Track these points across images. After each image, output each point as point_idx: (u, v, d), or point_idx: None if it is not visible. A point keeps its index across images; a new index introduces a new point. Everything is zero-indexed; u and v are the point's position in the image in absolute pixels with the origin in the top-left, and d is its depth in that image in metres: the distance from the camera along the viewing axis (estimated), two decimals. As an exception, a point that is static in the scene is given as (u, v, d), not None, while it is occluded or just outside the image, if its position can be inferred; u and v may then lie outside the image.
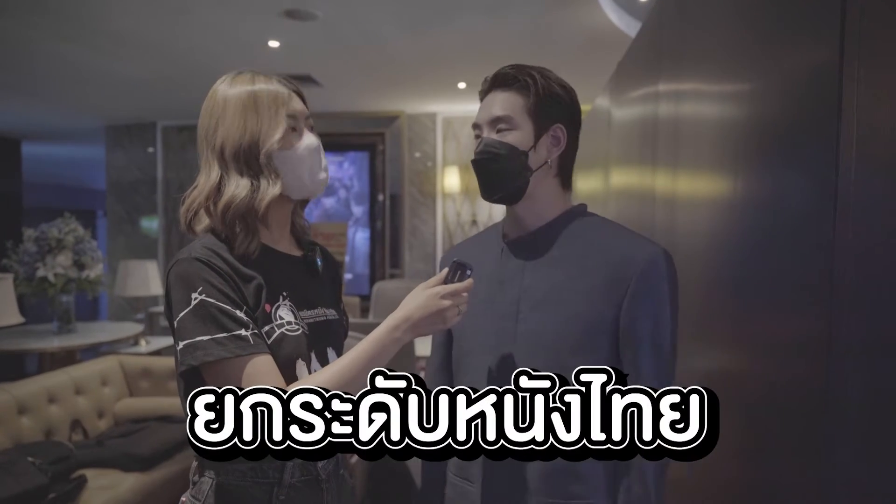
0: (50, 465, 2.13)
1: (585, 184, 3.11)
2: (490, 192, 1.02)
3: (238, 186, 0.93)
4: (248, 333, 0.87)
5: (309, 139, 0.99)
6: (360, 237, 5.59)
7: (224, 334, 0.86)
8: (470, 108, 5.18)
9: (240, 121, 0.94)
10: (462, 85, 4.43)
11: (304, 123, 1.00)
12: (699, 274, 1.22)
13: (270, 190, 0.94)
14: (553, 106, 1.01)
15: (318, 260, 1.07)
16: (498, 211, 4.76)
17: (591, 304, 0.95)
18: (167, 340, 4.30)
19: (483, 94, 1.05)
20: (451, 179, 5.25)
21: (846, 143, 0.69)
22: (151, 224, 5.79)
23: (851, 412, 0.68)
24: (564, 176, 1.05)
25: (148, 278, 4.21)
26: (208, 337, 0.85)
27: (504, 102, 1.00)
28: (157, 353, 4.00)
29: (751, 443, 0.94)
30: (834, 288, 0.69)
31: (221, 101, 0.96)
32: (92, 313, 7.98)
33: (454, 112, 5.34)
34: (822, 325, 0.71)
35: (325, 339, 1.02)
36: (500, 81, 1.02)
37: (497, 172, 1.00)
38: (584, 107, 1.10)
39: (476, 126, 1.04)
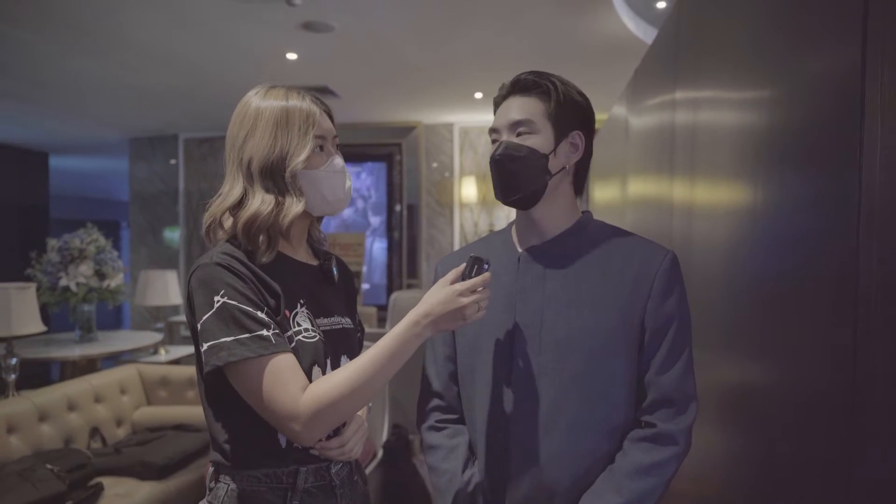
0: (68, 473, 2.15)
1: (602, 193, 3.08)
2: (507, 192, 1.00)
3: (263, 202, 0.95)
4: (269, 333, 0.88)
5: (335, 160, 1.01)
6: (377, 247, 5.61)
7: (247, 335, 0.87)
8: (487, 117, 5.17)
9: (270, 136, 0.95)
10: (478, 95, 4.43)
11: (331, 143, 1.02)
12: (720, 284, 1.19)
13: (294, 208, 0.96)
14: (573, 112, 1.01)
15: (335, 269, 1.08)
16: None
17: (617, 306, 0.96)
18: (186, 349, 4.34)
19: (500, 100, 1.03)
20: (469, 189, 5.25)
21: (870, 147, 0.66)
22: (173, 235, 5.87)
23: (879, 420, 0.65)
24: (579, 183, 1.06)
25: (168, 288, 4.25)
26: (231, 338, 0.86)
27: (524, 107, 0.99)
28: (176, 361, 4.04)
29: (778, 452, 0.91)
30: (859, 296, 0.66)
31: (253, 114, 0.97)
32: (115, 322, 8.12)
33: (471, 122, 5.35)
34: (847, 334, 0.68)
35: (340, 347, 1.03)
36: (519, 87, 1.01)
37: (515, 172, 0.98)
38: (601, 115, 1.08)
39: (494, 130, 1.02)
